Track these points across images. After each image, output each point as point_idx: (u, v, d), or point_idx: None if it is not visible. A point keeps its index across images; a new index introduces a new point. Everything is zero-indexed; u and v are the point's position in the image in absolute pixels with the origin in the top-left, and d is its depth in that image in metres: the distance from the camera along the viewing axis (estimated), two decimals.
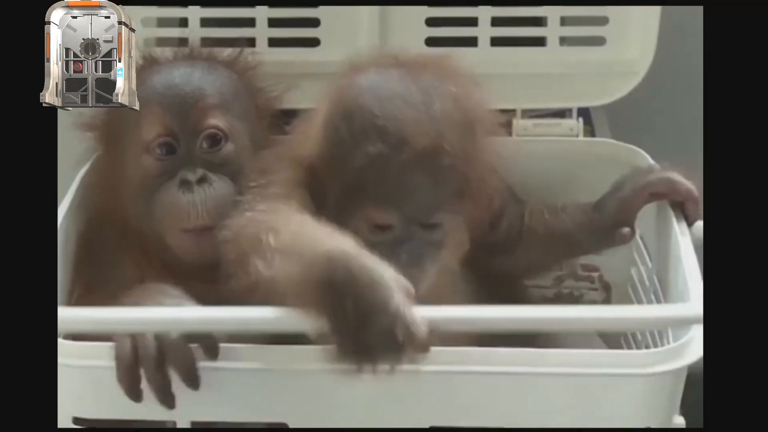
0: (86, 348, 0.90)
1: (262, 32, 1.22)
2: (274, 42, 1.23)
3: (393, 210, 0.97)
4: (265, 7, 1.22)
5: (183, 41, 1.22)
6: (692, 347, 0.90)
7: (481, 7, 1.22)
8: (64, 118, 0.93)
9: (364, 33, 1.22)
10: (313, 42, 1.23)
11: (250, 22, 1.22)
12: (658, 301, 1.10)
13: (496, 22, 1.23)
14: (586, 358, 0.90)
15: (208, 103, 1.06)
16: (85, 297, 1.05)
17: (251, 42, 1.22)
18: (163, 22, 1.25)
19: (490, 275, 1.13)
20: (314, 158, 1.00)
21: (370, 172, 0.97)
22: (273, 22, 1.22)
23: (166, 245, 1.05)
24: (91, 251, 1.08)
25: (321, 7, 1.22)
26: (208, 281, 1.00)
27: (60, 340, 0.88)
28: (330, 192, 0.99)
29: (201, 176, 1.04)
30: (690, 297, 0.94)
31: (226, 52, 1.14)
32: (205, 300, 0.96)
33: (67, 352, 0.89)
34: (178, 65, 1.09)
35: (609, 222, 1.10)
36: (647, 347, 1.09)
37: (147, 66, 1.09)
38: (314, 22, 1.23)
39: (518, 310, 0.86)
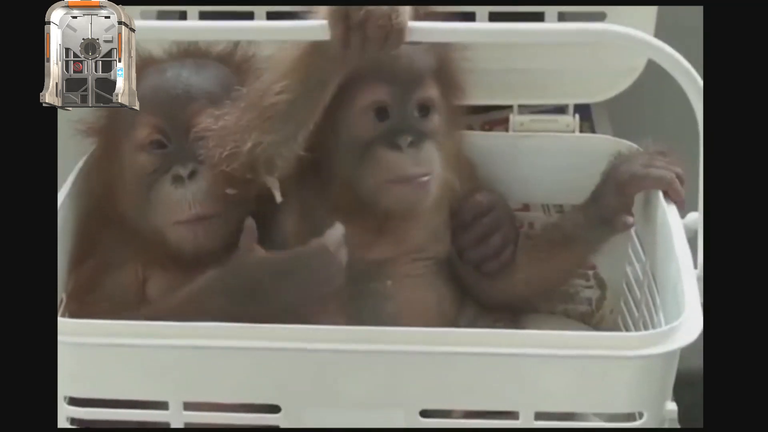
0: (82, 325, 0.91)
1: None
2: None
3: (384, 84, 1.05)
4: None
5: None
6: (684, 330, 0.90)
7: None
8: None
9: None
10: None
11: (249, 16, 1.23)
12: (653, 297, 1.10)
13: (494, 17, 1.23)
14: (577, 340, 0.91)
15: (197, 102, 1.08)
16: (83, 297, 1.07)
17: None
18: (162, 15, 1.26)
19: (493, 304, 1.15)
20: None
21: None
22: (271, 16, 1.22)
23: (165, 239, 1.08)
24: (90, 249, 1.10)
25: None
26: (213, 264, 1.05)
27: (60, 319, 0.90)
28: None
29: (192, 170, 1.06)
30: (684, 290, 0.95)
31: (221, 46, 1.14)
32: None
33: (62, 329, 0.90)
34: (169, 66, 1.11)
35: (609, 209, 1.12)
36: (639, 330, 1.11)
37: (141, 67, 1.10)
38: None
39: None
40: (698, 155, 0.98)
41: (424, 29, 0.99)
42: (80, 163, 1.13)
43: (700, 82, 0.98)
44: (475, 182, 1.18)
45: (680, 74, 0.99)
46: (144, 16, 1.22)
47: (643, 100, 1.22)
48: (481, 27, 1.10)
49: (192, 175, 1.06)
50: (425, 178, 1.06)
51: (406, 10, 0.97)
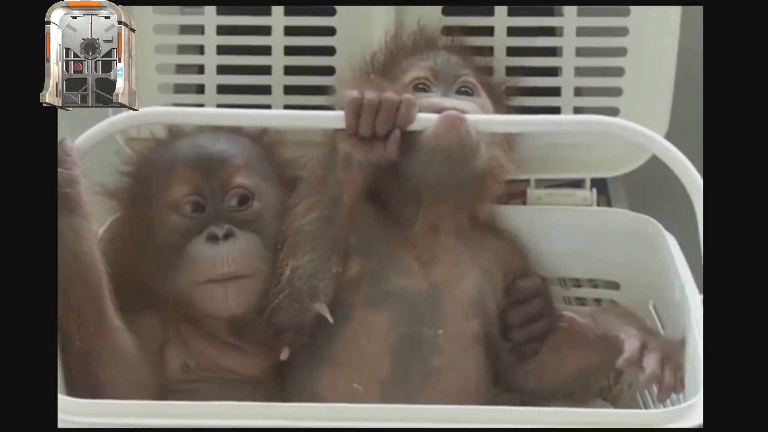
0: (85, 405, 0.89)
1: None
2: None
3: (426, 67, 1.16)
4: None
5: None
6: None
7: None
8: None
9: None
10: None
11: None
12: None
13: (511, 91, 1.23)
14: (593, 417, 0.89)
15: (235, 163, 1.09)
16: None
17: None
18: (179, 89, 1.27)
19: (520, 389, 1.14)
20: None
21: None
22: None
23: (192, 302, 1.07)
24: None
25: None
26: (233, 338, 1.08)
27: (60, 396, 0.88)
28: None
29: (227, 231, 1.06)
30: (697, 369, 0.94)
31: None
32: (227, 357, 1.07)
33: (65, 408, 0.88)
34: (203, 133, 1.12)
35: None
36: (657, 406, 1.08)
37: (172, 136, 1.13)
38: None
39: None
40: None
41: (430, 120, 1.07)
42: (102, 229, 1.11)
43: (700, 182, 1.03)
44: (525, 263, 1.19)
45: (682, 173, 1.05)
46: (161, 90, 1.24)
47: (659, 175, 1.21)
48: (490, 119, 1.13)
49: (227, 236, 1.06)
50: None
51: (415, 102, 1.06)
